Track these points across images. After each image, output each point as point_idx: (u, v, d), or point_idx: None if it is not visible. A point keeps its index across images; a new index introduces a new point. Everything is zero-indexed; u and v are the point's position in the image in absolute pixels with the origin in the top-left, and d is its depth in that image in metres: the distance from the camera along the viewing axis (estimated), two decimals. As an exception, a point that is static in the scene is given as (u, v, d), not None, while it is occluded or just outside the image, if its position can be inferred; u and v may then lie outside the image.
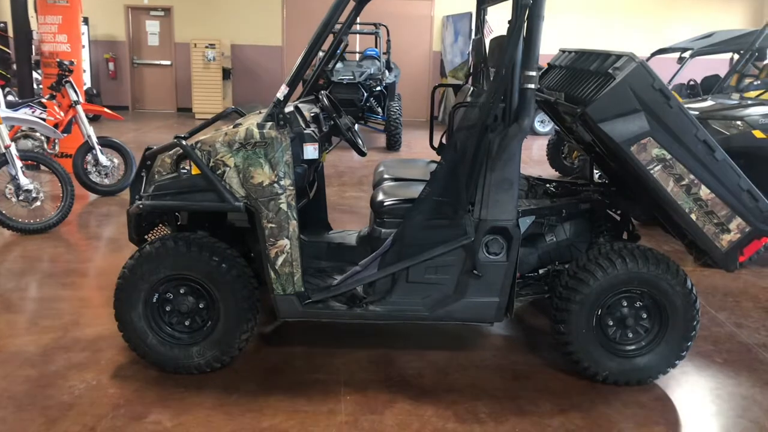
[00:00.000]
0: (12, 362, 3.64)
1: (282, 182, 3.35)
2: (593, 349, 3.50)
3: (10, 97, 6.69)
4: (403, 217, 3.46)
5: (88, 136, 7.26)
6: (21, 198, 5.97)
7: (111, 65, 15.24)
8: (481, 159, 3.30)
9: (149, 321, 3.51)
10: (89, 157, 7.39)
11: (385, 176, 4.04)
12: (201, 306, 3.54)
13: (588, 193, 3.92)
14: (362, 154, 3.69)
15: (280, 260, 3.42)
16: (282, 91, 3.35)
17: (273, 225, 3.38)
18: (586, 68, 3.72)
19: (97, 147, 7.31)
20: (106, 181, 7.52)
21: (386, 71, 11.65)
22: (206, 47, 14.19)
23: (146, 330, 3.51)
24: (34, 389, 3.38)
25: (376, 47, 12.90)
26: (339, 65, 11.51)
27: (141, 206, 3.38)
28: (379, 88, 11.29)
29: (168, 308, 3.54)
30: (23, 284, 4.78)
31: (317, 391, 3.46)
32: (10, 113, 6.24)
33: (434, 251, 3.39)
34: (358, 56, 13.99)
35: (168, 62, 15.47)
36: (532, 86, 3.23)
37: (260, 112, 4.17)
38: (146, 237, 4.06)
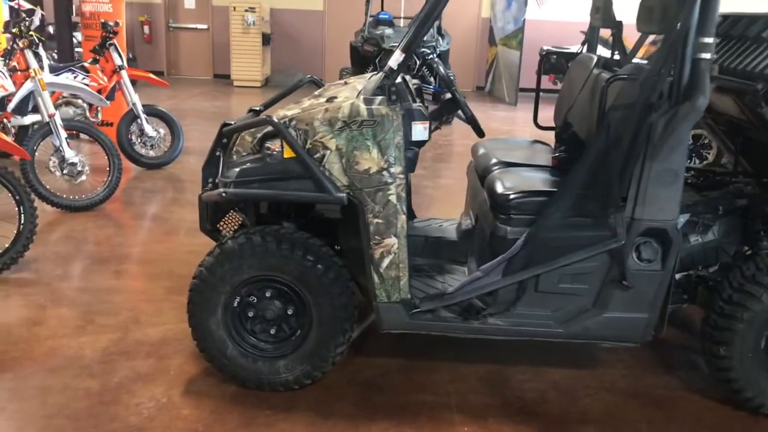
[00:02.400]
0: (69, 370, 3.14)
1: (392, 169, 2.78)
2: (760, 378, 2.91)
3: (48, 61, 6.13)
4: (535, 213, 2.87)
5: (133, 104, 6.72)
6: (65, 172, 5.46)
7: (146, 28, 14.66)
8: (640, 145, 2.69)
9: (229, 329, 2.99)
10: (134, 127, 6.86)
11: (494, 160, 3.44)
12: (289, 312, 3.00)
13: (739, 186, 3.30)
14: (482, 134, 3.09)
15: (385, 262, 2.86)
16: (396, 59, 2.77)
17: (380, 220, 2.81)
18: (749, 35, 3.09)
19: (143, 116, 6.78)
20: (152, 153, 7.00)
21: (439, 38, 10.95)
22: (246, 11, 13.53)
23: (226, 339, 2.98)
24: (97, 407, 2.88)
25: (426, 13, 12.14)
26: (389, 31, 10.84)
27: (224, 194, 2.83)
28: (432, 56, 10.60)
29: (251, 314, 3.00)
30: (72, 271, 4.28)
31: (426, 417, 2.92)
32: (54, 78, 5.70)
33: (574, 256, 2.81)
34: (402, 22, 13.29)
35: (205, 26, 14.85)
36: (708, 56, 2.60)
37: (347, 83, 3.59)
38: (219, 226, 3.52)
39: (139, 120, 6.79)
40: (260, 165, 2.88)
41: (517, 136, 9.57)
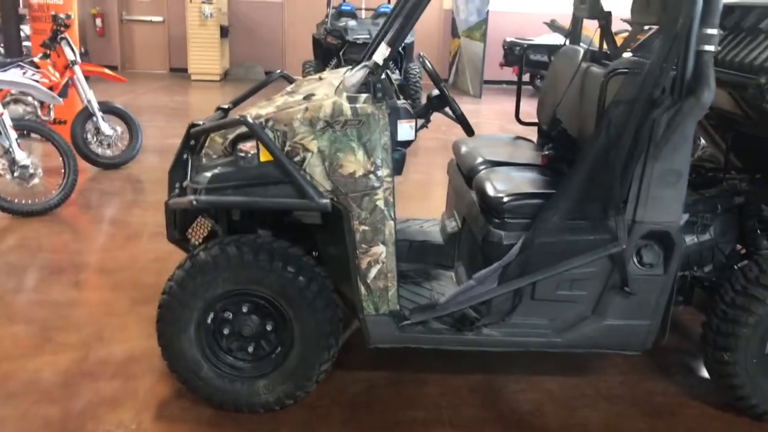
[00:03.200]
0: (27, 395, 2.87)
1: (379, 172, 2.57)
2: (765, 383, 2.79)
3: (-5, 56, 5.78)
4: (530, 217, 2.69)
5: (88, 101, 6.37)
6: (16, 174, 5.11)
7: (98, 21, 14.14)
8: (642, 143, 2.54)
9: (203, 348, 2.76)
10: (89, 125, 6.51)
11: (479, 159, 3.26)
12: (269, 328, 2.78)
13: (734, 183, 3.18)
14: (471, 132, 2.90)
15: (373, 272, 2.66)
16: (382, 53, 2.56)
17: (366, 227, 2.61)
18: (744, 26, 2.96)
19: (99, 113, 6.43)
20: (108, 153, 6.65)
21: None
22: (202, 2, 13.10)
23: (199, 359, 2.75)
24: (59, 438, 2.62)
25: (388, 3, 11.95)
26: (352, 23, 10.59)
27: (195, 202, 2.59)
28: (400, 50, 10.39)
29: (226, 331, 2.77)
30: (26, 283, 3.98)
31: (418, 435, 2.73)
32: (1, 75, 5.34)
33: (573, 261, 2.65)
34: (364, 13, 13.05)
35: (160, 18, 14.39)
36: (712, 48, 2.46)
37: (321, 78, 3.38)
38: (187, 233, 3.27)
39: (94, 118, 6.45)
40: (234, 170, 2.64)
41: (484, 128, 9.43)
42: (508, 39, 13.07)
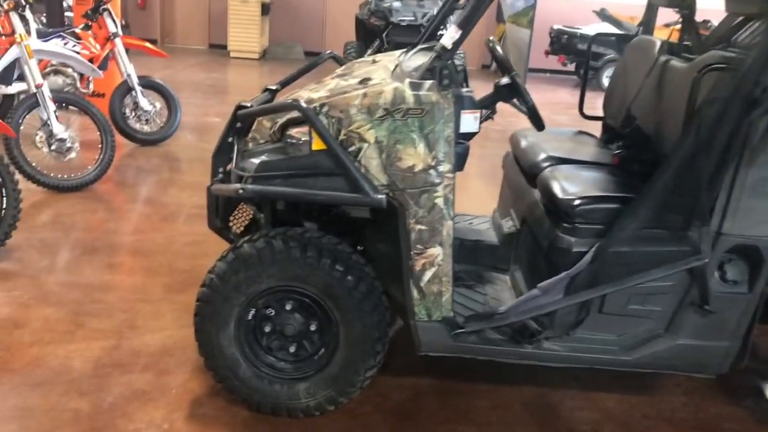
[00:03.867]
0: (56, 386, 2.73)
1: (441, 167, 2.36)
2: None
3: (36, 26, 5.60)
4: (604, 223, 2.46)
5: (128, 75, 6.23)
6: (53, 148, 4.99)
7: (140, -6, 14.04)
8: (735, 148, 2.28)
9: (242, 346, 2.58)
10: (128, 100, 6.38)
11: (543, 155, 3.02)
12: (312, 328, 2.59)
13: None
14: (541, 127, 2.66)
15: (427, 275, 2.45)
16: (451, 36, 2.33)
17: (423, 227, 2.40)
18: None
19: (138, 88, 6.29)
20: (146, 129, 6.52)
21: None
22: (245, -22, 12.95)
23: (238, 357, 2.57)
24: (87, 434, 2.46)
25: (434, -15, 11.61)
26: (397, 4, 10.33)
27: (241, 191, 2.40)
28: (441, 33, 10.10)
29: (267, 329, 2.59)
30: (59, 263, 3.84)
31: (468, 452, 2.53)
32: (42, 45, 5.20)
33: (649, 274, 2.41)
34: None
35: (202, -7, 14.25)
36: (821, 45, 2.19)
37: (375, 61, 3.16)
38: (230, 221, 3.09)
39: (133, 92, 6.32)
40: (284, 158, 2.45)
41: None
42: (556, 26, 12.72)
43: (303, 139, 2.47)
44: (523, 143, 3.34)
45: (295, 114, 2.53)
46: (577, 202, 2.51)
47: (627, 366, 2.56)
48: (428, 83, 2.33)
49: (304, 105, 2.36)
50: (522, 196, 3.10)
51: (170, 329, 3.22)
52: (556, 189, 2.63)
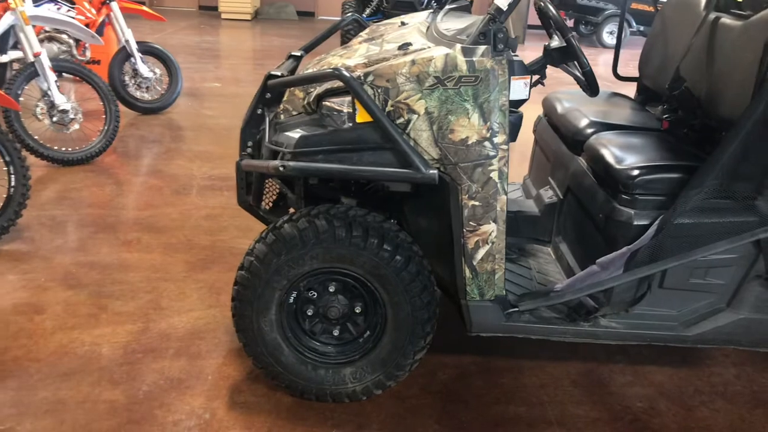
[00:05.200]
0: (86, 375, 2.60)
1: (496, 139, 2.21)
2: None
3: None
4: (666, 194, 2.33)
5: (126, 41, 6.00)
6: (55, 120, 4.78)
7: (126, -46, 13.56)
8: (812, 113, 2.14)
9: (284, 330, 2.45)
10: (126, 67, 6.14)
11: (585, 121, 2.87)
12: (357, 310, 2.46)
13: None
14: (596, 92, 2.50)
15: (480, 253, 2.32)
16: (506, -3, 2.16)
17: (477, 203, 2.26)
18: None
19: (137, 54, 6.06)
20: (147, 96, 6.31)
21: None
22: (234, -64, 12.54)
23: (280, 343, 2.45)
24: (126, 427, 2.35)
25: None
26: (395, -40, 10.00)
27: (282, 168, 2.24)
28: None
29: (310, 312, 2.46)
30: (73, 241, 3.68)
31: (523, 435, 2.43)
32: (38, 11, 4.95)
33: (714, 246, 2.29)
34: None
35: (189, -47, 13.81)
36: None
37: (403, 23, 2.99)
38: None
39: (132, 59, 6.09)
40: (325, 132, 2.29)
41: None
42: (555, -18, 12.42)
43: (344, 110, 2.31)
44: (559, 108, 3.18)
45: (331, 83, 2.36)
46: (635, 172, 2.37)
47: (688, 342, 2.45)
48: (482, 48, 2.17)
49: (347, 74, 2.19)
50: (563, 164, 2.96)
51: (197, 310, 3.09)
52: (610, 158, 2.49)
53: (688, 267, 2.36)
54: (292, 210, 2.97)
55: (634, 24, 12.37)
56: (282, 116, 2.62)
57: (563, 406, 2.59)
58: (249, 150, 2.66)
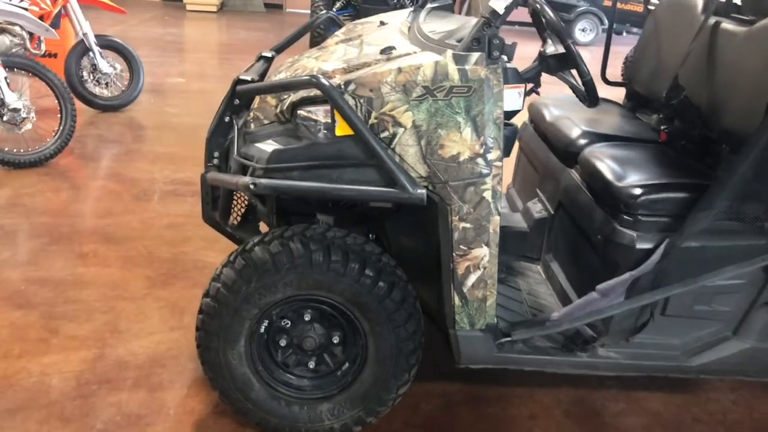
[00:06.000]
0: (33, 410, 2.35)
1: (489, 155, 2.00)
2: None
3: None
4: (672, 215, 2.15)
5: (84, 35, 5.68)
6: (6, 119, 4.47)
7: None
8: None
9: (254, 363, 2.22)
10: (85, 62, 5.82)
11: (577, 131, 2.69)
12: (335, 341, 2.24)
13: None
14: (595, 103, 2.30)
15: (471, 279, 2.12)
16: None
17: (468, 225, 2.05)
18: None
19: (96, 48, 5.74)
20: (106, 93, 5.98)
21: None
22: (200, -75, 12.17)
23: (250, 377, 2.22)
24: (77, 474, 2.10)
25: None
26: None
27: (253, 185, 2.01)
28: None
29: (283, 342, 2.24)
30: (24, 254, 3.40)
31: (514, 474, 2.24)
32: (-15, 2, 4.62)
33: (722, 272, 2.12)
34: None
35: (153, -58, 13.38)
36: None
37: (383, 23, 2.79)
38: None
39: (91, 53, 5.76)
40: (302, 146, 2.06)
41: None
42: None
43: (322, 121, 2.08)
44: (548, 115, 3.00)
45: (308, 91, 2.13)
46: (638, 191, 2.19)
47: (691, 372, 2.29)
48: (475, 56, 1.96)
49: (325, 82, 1.97)
50: (554, 176, 2.77)
51: (158, 333, 2.84)
52: (609, 174, 2.31)
53: (692, 293, 2.19)
54: (262, 223, 2.74)
55: (605, 21, 12.30)
56: (252, 125, 2.38)
57: (556, 440, 2.41)
58: (215, 161, 2.42)
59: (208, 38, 10.38)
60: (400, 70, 1.97)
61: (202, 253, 3.53)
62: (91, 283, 3.18)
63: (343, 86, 2.00)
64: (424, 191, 1.99)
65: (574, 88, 2.37)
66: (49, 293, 3.06)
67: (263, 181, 2.01)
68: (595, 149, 2.55)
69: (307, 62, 2.44)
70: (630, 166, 2.34)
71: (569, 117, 2.88)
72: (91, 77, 5.87)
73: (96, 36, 5.75)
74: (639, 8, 12.45)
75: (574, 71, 2.29)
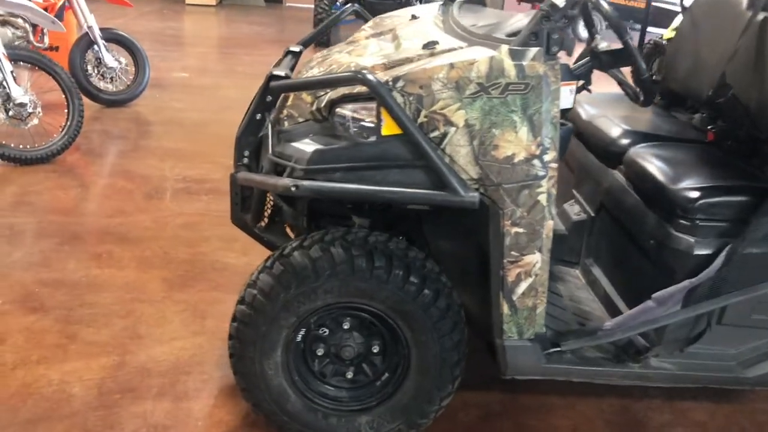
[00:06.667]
0: (55, 421, 2.23)
1: (546, 156, 1.90)
2: None
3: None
4: (730, 220, 2.05)
5: (89, 27, 5.53)
6: (11, 114, 4.33)
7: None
8: None
9: (291, 374, 2.11)
10: (89, 55, 5.68)
11: (619, 130, 2.59)
12: (375, 350, 2.13)
13: None
14: (649, 102, 2.20)
15: (522, 287, 2.01)
16: (564, -9, 1.84)
17: (521, 230, 1.94)
18: None
19: (101, 42, 5.59)
20: (111, 87, 5.84)
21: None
22: None
23: (286, 388, 2.11)
24: (105, 492, 1.98)
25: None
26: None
27: (294, 188, 1.89)
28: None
29: (320, 351, 2.13)
30: (35, 255, 3.27)
31: (562, 489, 2.14)
32: (-10, -7, 4.48)
33: (785, 280, 2.02)
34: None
35: (151, -66, 13.17)
36: None
37: (415, 17, 2.67)
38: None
39: (96, 47, 5.62)
40: (345, 146, 1.95)
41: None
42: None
43: (367, 120, 1.97)
44: (583, 113, 2.89)
45: (349, 88, 2.02)
46: (695, 194, 2.08)
47: (747, 384, 2.20)
48: (533, 51, 1.85)
49: (372, 78, 1.85)
50: (593, 177, 2.67)
51: (180, 338, 2.73)
52: (662, 177, 2.20)
53: (750, 302, 2.09)
54: (288, 226, 2.62)
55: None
56: (286, 123, 2.26)
57: (602, 453, 2.31)
58: (245, 160, 2.30)
59: (209, 32, 10.23)
60: (452, 65, 1.86)
61: (220, 253, 3.41)
62: (107, 285, 3.05)
63: (391, 83, 1.89)
64: (476, 194, 1.88)
65: (624, 84, 2.26)
66: (64, 296, 2.94)
67: (306, 183, 1.90)
68: (641, 149, 2.45)
69: (340, 57, 2.34)
70: (682, 168, 2.24)
71: (606, 115, 2.78)
72: (96, 71, 5.73)
73: (101, 29, 5.60)
74: (641, 5, 12.36)
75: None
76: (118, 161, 4.60)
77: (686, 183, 2.13)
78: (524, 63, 1.84)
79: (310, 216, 2.39)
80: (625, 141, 2.56)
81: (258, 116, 2.23)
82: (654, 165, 2.28)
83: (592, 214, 2.66)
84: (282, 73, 2.20)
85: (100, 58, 5.66)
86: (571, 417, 2.47)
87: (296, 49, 2.69)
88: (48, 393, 2.36)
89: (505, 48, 1.86)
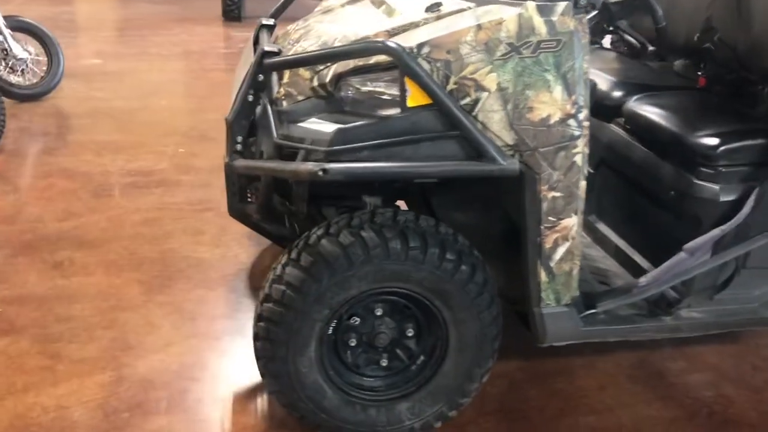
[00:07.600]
0: (62, 456, 2.02)
1: (580, 115, 1.84)
2: None
3: None
4: (751, 163, 2.06)
5: (-8, 16, 5.06)
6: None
7: None
8: None
9: (325, 369, 1.98)
10: (-5, 47, 5.21)
11: (612, 83, 2.56)
12: (409, 334, 2.03)
13: None
14: (658, 54, 2.17)
15: (559, 252, 1.96)
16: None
17: (558, 194, 1.88)
18: None
19: (6, 31, 5.13)
20: (22, 81, 5.38)
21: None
22: None
23: (322, 384, 1.98)
24: None
25: None
26: None
27: (322, 172, 1.74)
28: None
29: (352, 342, 2.01)
30: (-13, 270, 2.97)
31: (606, 451, 2.13)
32: None
33: (810, 220, 2.05)
34: None
35: None
36: None
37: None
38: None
39: (1, 36, 5.14)
40: (370, 123, 1.82)
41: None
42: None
43: (385, 92, 1.85)
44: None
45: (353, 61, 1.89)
46: (715, 141, 2.07)
47: (771, 324, 2.23)
48: (561, 5, 1.77)
49: (396, 47, 1.73)
50: (597, 133, 2.63)
51: (175, 343, 2.54)
52: (674, 127, 2.18)
53: (773, 243, 2.11)
54: (280, 211, 2.46)
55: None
56: (284, 102, 2.10)
57: (632, 409, 2.32)
58: (239, 147, 2.12)
59: (108, 15, 9.64)
60: (480, 26, 1.76)
61: (190, 248, 3.21)
62: (79, 295, 2.81)
63: (415, 50, 1.76)
64: (516, 161, 1.80)
65: (628, 38, 2.22)
66: (34, 313, 2.67)
67: (334, 165, 1.75)
68: (638, 101, 2.42)
69: (326, 28, 2.20)
70: (690, 116, 2.23)
71: (594, 70, 2.74)
72: (4, 64, 5.26)
73: (4, 17, 5.13)
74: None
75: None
76: (52, 160, 4.25)
77: (703, 131, 2.12)
78: (554, 19, 1.76)
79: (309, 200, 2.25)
80: (618, 94, 2.54)
81: (251, 97, 2.05)
82: (660, 115, 2.26)
83: (591, 171, 2.62)
84: (275, 49, 2.03)
85: (6, 50, 5.19)
86: (594, 377, 2.46)
87: (269, 22, 2.52)
88: (47, 422, 2.14)
89: (531, 4, 1.77)
